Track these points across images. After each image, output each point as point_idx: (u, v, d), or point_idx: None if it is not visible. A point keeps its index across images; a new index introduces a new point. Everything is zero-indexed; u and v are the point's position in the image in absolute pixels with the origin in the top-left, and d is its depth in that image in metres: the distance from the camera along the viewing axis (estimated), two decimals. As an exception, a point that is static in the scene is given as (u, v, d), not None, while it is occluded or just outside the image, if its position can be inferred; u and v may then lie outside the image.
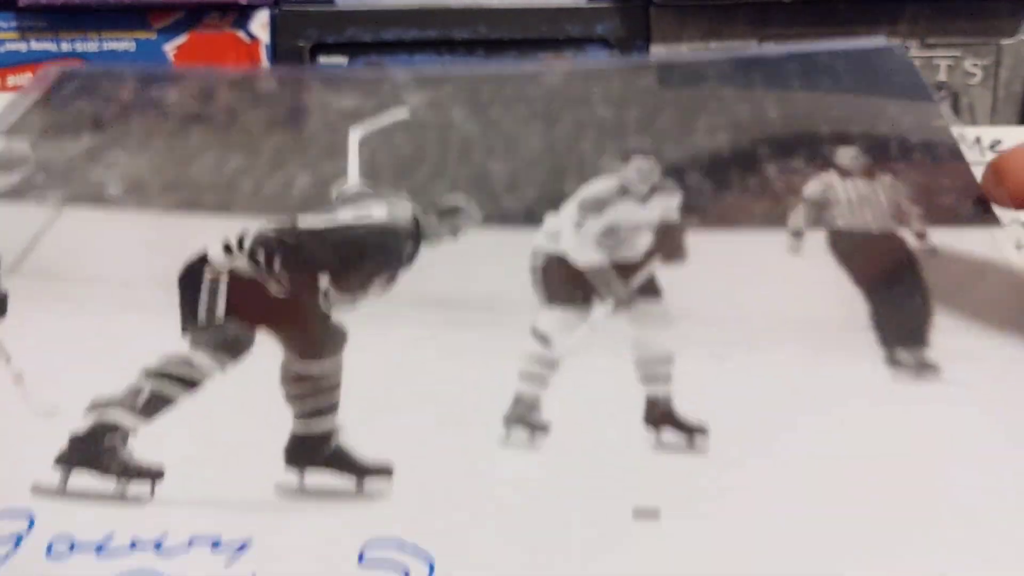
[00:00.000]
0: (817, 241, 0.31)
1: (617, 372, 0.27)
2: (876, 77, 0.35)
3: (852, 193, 0.32)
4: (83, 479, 0.24)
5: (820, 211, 0.32)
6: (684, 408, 0.26)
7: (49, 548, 0.22)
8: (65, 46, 0.48)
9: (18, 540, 0.22)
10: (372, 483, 0.24)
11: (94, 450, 0.25)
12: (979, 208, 0.30)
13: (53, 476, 0.24)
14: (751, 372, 0.27)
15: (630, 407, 0.26)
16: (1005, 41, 0.41)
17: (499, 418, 0.26)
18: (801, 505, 0.24)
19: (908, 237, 0.31)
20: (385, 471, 0.24)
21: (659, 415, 0.26)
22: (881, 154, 0.33)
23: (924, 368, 0.27)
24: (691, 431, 0.25)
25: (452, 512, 0.23)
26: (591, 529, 0.23)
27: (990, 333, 0.28)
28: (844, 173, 0.33)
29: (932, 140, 0.32)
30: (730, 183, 0.33)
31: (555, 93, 0.37)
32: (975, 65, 0.41)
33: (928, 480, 0.25)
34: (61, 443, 0.25)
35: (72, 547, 0.22)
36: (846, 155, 0.33)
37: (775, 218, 0.32)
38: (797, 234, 0.31)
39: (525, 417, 0.26)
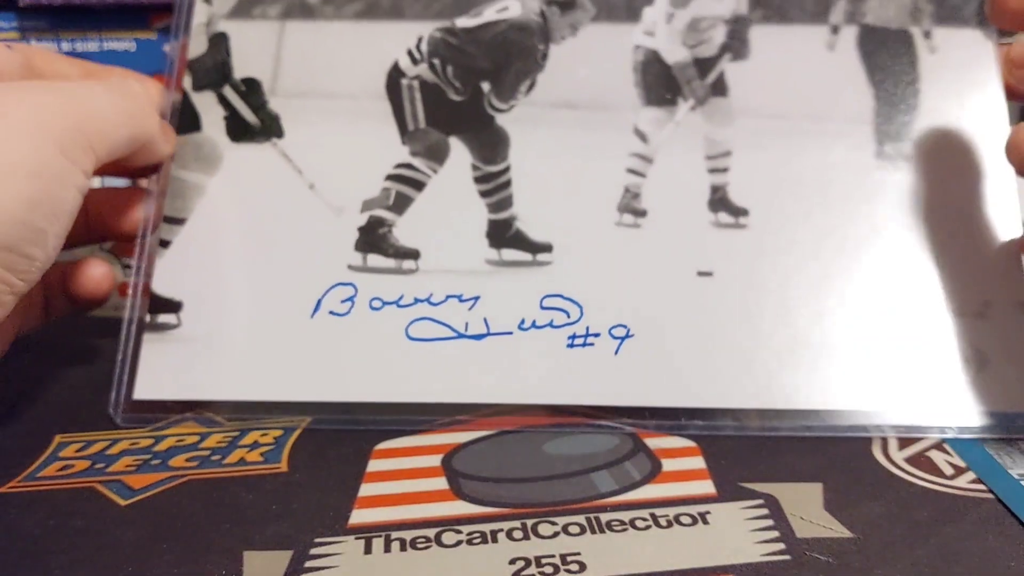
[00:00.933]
0: (849, 37, 0.42)
1: (692, 165, 0.41)
2: None
3: (885, -11, 0.42)
4: (374, 259, 0.41)
5: (856, 5, 0.42)
6: (735, 193, 0.41)
7: (370, 304, 0.40)
8: (65, 46, 0.48)
9: (352, 300, 0.40)
10: (541, 257, 0.41)
11: (374, 239, 0.41)
12: (980, 13, 0.40)
13: (357, 258, 0.41)
14: (783, 162, 0.41)
15: (699, 194, 0.41)
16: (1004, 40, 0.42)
17: (614, 205, 0.41)
18: (808, 264, 0.39)
19: (917, 35, 0.41)
20: (547, 248, 0.41)
21: (717, 200, 0.41)
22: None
23: (902, 159, 0.41)
24: (737, 213, 0.41)
25: (590, 275, 0.40)
26: (670, 285, 0.40)
27: (959, 128, 0.40)
28: (883, -31, 0.42)
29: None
30: (791, -26, 0.42)
31: None
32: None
33: (891, 242, 0.40)
34: (353, 234, 0.41)
35: (382, 303, 0.40)
36: (887, -48, 0.42)
37: (821, 12, 0.42)
38: (835, 30, 0.42)
39: (631, 205, 0.41)
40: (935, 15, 0.41)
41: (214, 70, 0.43)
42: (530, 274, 0.40)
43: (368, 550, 0.28)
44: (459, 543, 0.28)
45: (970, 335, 0.37)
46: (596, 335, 0.39)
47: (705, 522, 0.29)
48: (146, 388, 0.39)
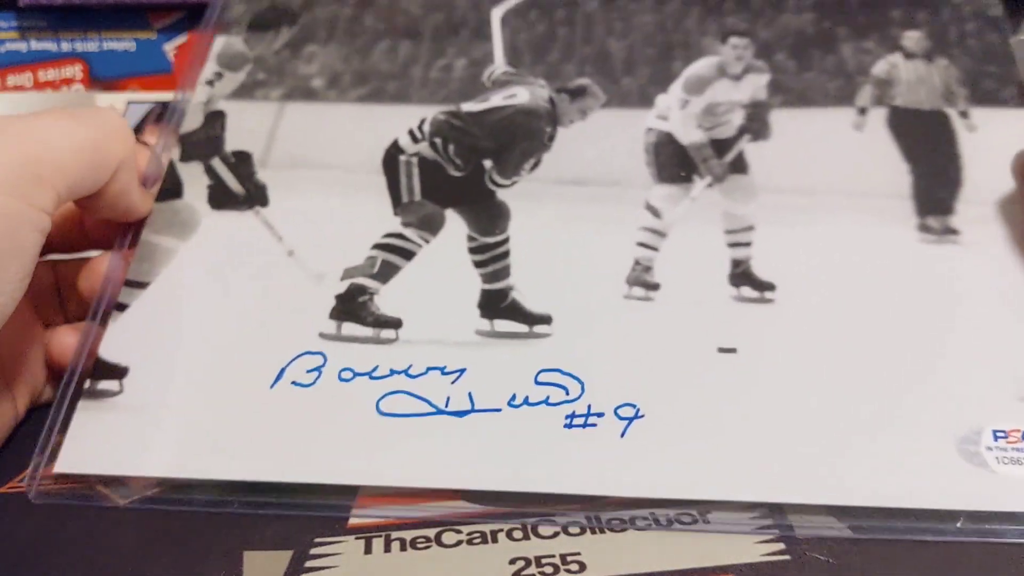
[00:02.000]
0: (878, 118, 0.39)
1: (710, 239, 0.37)
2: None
3: (912, 74, 0.39)
4: (350, 328, 0.36)
5: (884, 89, 0.39)
6: (759, 268, 0.36)
7: (339, 375, 0.35)
8: (65, 46, 0.49)
9: (319, 370, 0.35)
10: (539, 328, 0.36)
11: (353, 306, 0.37)
12: (1015, 93, 0.38)
13: (330, 326, 0.36)
14: (814, 236, 0.37)
15: (718, 268, 0.36)
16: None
17: (622, 278, 0.36)
18: (842, 345, 0.34)
19: (953, 116, 0.38)
20: (546, 319, 0.36)
21: (740, 274, 0.36)
22: (941, 38, 0.39)
23: (947, 232, 0.36)
24: (762, 288, 0.36)
25: (594, 349, 0.35)
26: (687, 361, 0.34)
27: (1008, 200, 0.36)
28: (908, 55, 0.40)
29: (984, 27, 0.39)
30: (811, 63, 0.40)
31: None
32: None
33: (939, 318, 0.34)
34: (330, 302, 0.37)
35: (353, 374, 0.35)
36: (911, 38, 0.40)
37: (845, 97, 0.40)
38: (862, 111, 0.39)
39: (641, 278, 0.36)
40: (970, 98, 0.39)
41: (206, 143, 0.41)
42: (525, 347, 0.35)
43: (368, 550, 0.28)
44: (459, 543, 0.29)
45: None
46: (599, 415, 0.33)
47: (705, 521, 0.29)
48: (71, 461, 0.33)
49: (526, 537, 0.29)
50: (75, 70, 0.49)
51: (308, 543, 0.29)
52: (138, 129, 0.44)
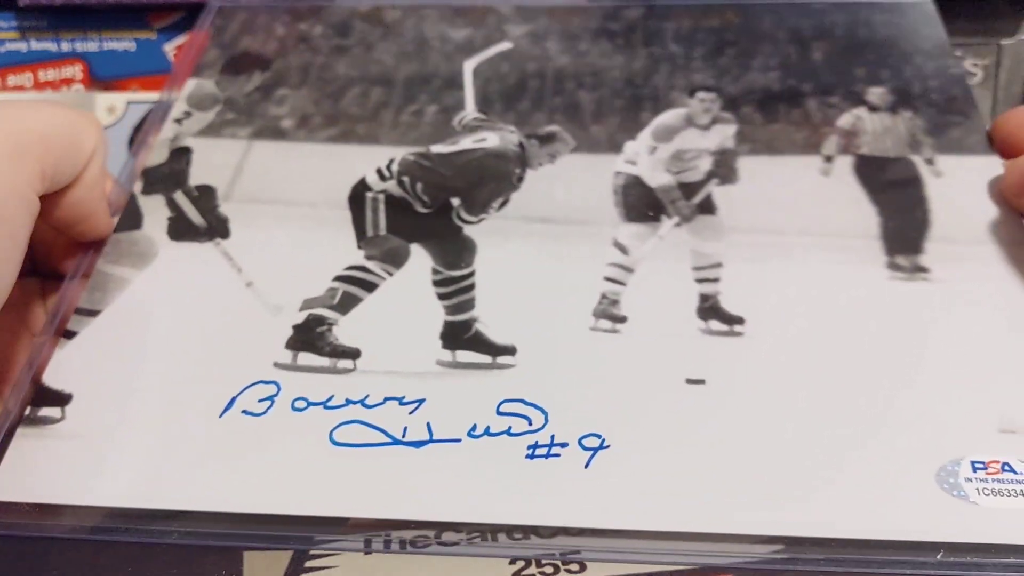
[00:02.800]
0: (844, 165, 0.39)
1: (678, 275, 0.36)
2: (906, 28, 0.42)
3: (878, 125, 0.40)
4: (306, 358, 0.35)
5: (850, 139, 0.40)
6: (728, 303, 0.35)
7: (292, 404, 0.33)
8: (65, 46, 0.49)
9: (272, 399, 0.34)
10: (502, 359, 0.34)
11: (310, 337, 0.35)
12: (980, 141, 0.38)
13: (286, 356, 0.35)
14: (783, 273, 0.36)
15: (687, 302, 0.35)
16: (1005, 41, 0.42)
17: (589, 311, 0.35)
18: (815, 376, 0.33)
19: (919, 162, 0.39)
20: (510, 350, 0.35)
21: (708, 308, 0.35)
22: (905, 93, 0.40)
23: (917, 270, 0.36)
24: (731, 321, 0.35)
25: (558, 379, 0.33)
26: (654, 392, 0.33)
27: (976, 240, 0.36)
28: (873, 108, 0.40)
29: (948, 83, 0.40)
30: (777, 115, 0.41)
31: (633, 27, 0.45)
32: (975, 65, 0.43)
33: (913, 351, 0.34)
34: (287, 332, 0.36)
35: (307, 404, 0.33)
36: (876, 93, 0.40)
37: (812, 146, 0.40)
38: (828, 159, 0.39)
39: (608, 311, 0.35)
40: (935, 146, 0.39)
41: (169, 177, 0.40)
42: (488, 377, 0.33)
43: (368, 550, 0.28)
44: (459, 543, 0.28)
45: (1007, 454, 0.30)
46: (563, 445, 0.31)
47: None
48: (5, 489, 0.31)
49: (526, 537, 0.29)
50: (75, 70, 0.48)
51: (308, 543, 0.29)
52: (138, 129, 0.44)
